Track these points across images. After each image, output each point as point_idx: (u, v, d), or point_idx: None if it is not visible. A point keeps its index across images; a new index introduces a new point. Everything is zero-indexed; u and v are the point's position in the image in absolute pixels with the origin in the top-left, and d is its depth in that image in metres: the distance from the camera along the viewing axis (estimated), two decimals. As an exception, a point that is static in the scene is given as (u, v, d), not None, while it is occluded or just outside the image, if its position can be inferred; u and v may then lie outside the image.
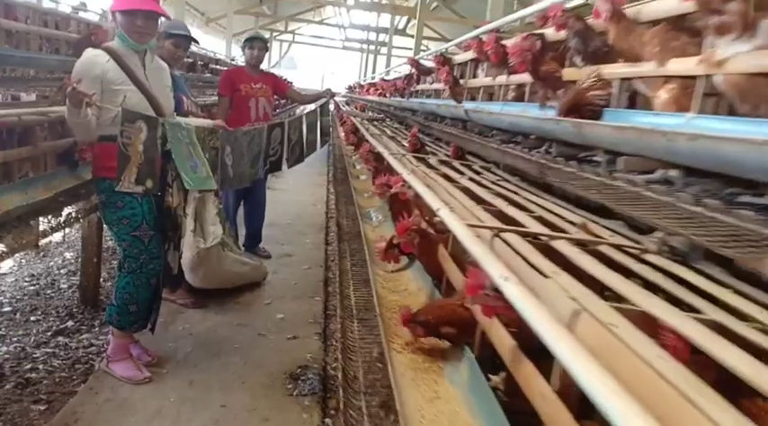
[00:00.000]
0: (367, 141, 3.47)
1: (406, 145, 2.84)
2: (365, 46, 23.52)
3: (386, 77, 6.96)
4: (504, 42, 2.41)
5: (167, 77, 2.76)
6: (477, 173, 2.43)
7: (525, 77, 2.27)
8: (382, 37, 22.21)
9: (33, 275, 3.80)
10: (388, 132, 4.50)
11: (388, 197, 2.63)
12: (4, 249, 2.27)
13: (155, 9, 2.48)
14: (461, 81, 3.14)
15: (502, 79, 2.56)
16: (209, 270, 3.50)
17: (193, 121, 3.00)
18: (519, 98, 2.46)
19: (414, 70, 4.25)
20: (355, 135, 5.92)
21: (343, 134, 6.64)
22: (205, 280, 3.54)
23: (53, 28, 3.69)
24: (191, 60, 7.63)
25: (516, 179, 2.41)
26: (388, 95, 6.51)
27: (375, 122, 5.70)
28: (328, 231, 6.06)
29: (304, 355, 3.13)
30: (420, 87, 4.70)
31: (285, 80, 4.78)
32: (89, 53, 2.45)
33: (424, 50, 14.48)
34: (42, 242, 2.64)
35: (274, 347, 3.19)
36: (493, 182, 2.22)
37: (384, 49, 22.64)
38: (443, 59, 3.44)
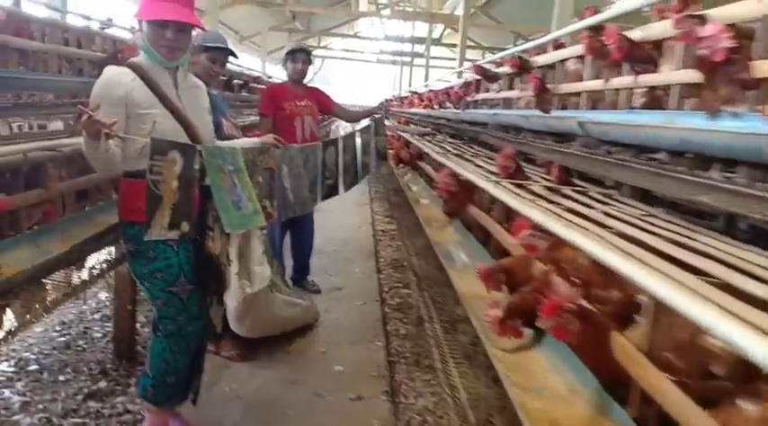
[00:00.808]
0: (440, 163, 2.93)
1: (494, 167, 2.32)
2: (399, 58, 23.15)
3: (432, 88, 6.45)
4: (627, 35, 1.87)
5: (204, 98, 2.33)
6: (603, 203, 1.88)
7: (671, 77, 1.74)
8: (417, 48, 21.80)
9: (65, 323, 3.42)
10: (449, 148, 3.98)
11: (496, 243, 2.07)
12: (13, 323, 1.82)
13: (188, 20, 2.03)
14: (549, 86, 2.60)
15: (622, 81, 2.01)
16: (256, 318, 3.05)
17: (239, 142, 2.55)
18: (652, 104, 1.91)
19: (477, 77, 3.74)
20: (408, 151, 5.43)
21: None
22: (253, 329, 3.08)
23: (75, 46, 3.31)
24: (225, 77, 7.27)
25: (658, 210, 1.85)
26: (436, 107, 6.01)
27: (427, 137, 5.20)
28: (378, 257, 5.61)
29: (370, 421, 2.64)
30: (482, 96, 4.17)
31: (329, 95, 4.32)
32: (110, 71, 2.03)
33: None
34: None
35: (335, 411, 2.71)
36: (639, 218, 1.67)
37: (418, 61, 22.23)
38: (522, 63, 2.92)
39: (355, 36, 23.87)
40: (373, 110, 4.42)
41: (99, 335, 3.38)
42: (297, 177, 2.74)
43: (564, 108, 2.62)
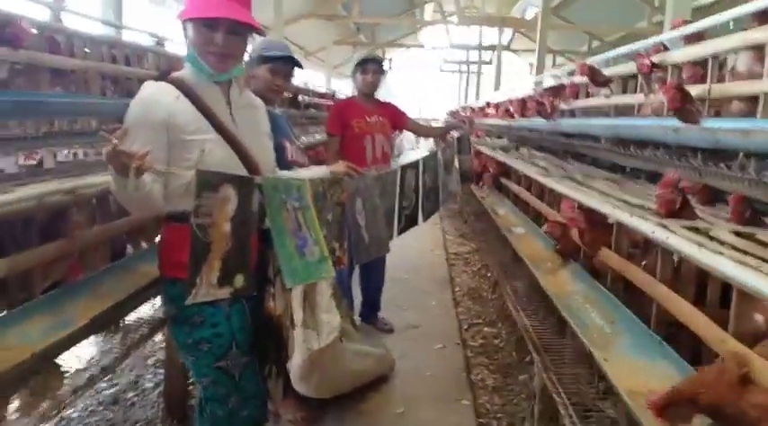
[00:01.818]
0: (560, 194, 2.35)
1: (624, 193, 1.73)
2: (465, 67, 22.48)
3: (511, 96, 5.86)
4: None
5: (263, 119, 1.90)
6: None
7: None
8: (483, 56, 21.08)
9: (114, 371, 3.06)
10: (545, 166, 3.38)
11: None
12: (20, 416, 1.44)
13: (242, 19, 1.60)
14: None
15: None
16: (324, 376, 2.58)
17: (304, 173, 2.10)
18: None
19: (575, 81, 3.15)
20: (488, 169, 4.86)
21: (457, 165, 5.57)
22: (320, 389, 2.62)
23: (123, 64, 2.98)
24: (290, 94, 6.94)
25: None
26: (516, 117, 5.40)
27: (513, 151, 4.63)
28: (454, 287, 5.07)
29: None
30: (585, 103, 3.54)
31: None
32: (148, 88, 1.63)
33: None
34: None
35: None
36: None
37: (487, 68, 21.48)
38: (654, 62, 2.30)
39: (421, 46, 23.42)
40: (453, 124, 3.89)
41: (151, 385, 3.04)
42: (372, 211, 2.25)
43: (717, 114, 2.01)
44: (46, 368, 1.49)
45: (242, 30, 1.65)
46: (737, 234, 1.45)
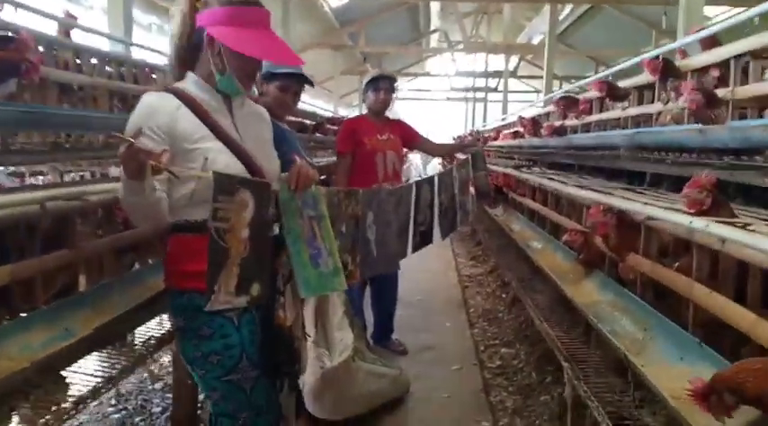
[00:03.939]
0: (581, 204, 2.28)
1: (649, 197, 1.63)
2: (471, 94, 22.62)
3: (522, 115, 5.84)
4: None
5: (267, 128, 1.85)
6: None
7: None
8: (490, 83, 21.20)
9: (121, 394, 3.01)
10: (561, 179, 3.31)
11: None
12: None
13: (297, 63, 1.79)
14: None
15: None
16: (337, 396, 2.48)
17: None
18: None
19: (589, 97, 3.11)
20: (499, 185, 4.81)
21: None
22: (333, 410, 2.51)
23: (131, 82, 2.96)
24: (296, 118, 6.96)
25: None
26: (527, 136, 5.39)
27: (523, 169, 4.57)
28: (468, 308, 4.95)
29: None
30: (594, 118, 3.51)
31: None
32: (149, 97, 1.59)
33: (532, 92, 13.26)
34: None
35: None
36: None
37: (492, 96, 21.60)
38: (668, 66, 2.26)
39: (427, 74, 23.65)
40: (467, 142, 3.85)
41: (158, 410, 2.93)
42: (385, 226, 2.18)
43: (743, 117, 1.95)
44: (49, 379, 1.41)
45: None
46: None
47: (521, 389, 3.30)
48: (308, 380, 2.37)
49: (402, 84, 27.24)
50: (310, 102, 9.21)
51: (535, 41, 16.09)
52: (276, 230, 1.70)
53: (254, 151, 1.67)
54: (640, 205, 1.53)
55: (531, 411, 3.05)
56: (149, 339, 1.99)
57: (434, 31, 20.05)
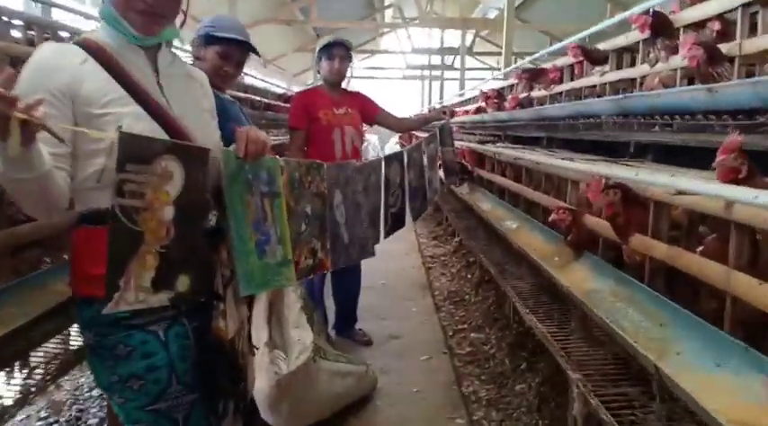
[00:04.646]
0: (566, 177, 2.05)
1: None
2: (427, 72, 22.30)
3: (484, 89, 5.61)
4: None
5: (203, 92, 1.51)
6: None
7: None
8: (446, 61, 20.93)
9: (53, 404, 2.61)
10: (534, 155, 3.07)
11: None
12: None
13: None
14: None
15: None
16: (296, 403, 2.19)
17: None
18: None
19: (579, 58, 2.86)
20: (464, 168, 4.57)
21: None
22: (292, 419, 2.23)
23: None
24: (244, 94, 6.49)
25: None
26: (490, 111, 5.18)
27: (489, 144, 4.35)
28: (433, 291, 4.74)
29: None
30: (566, 87, 3.30)
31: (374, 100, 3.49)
32: (45, 51, 1.24)
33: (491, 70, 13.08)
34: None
35: None
36: None
37: (448, 74, 21.35)
38: (660, 21, 2.02)
39: (384, 52, 23.17)
40: (432, 116, 3.56)
41: (95, 421, 2.58)
42: (354, 207, 1.88)
43: (749, 75, 1.74)
44: None
45: None
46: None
47: (494, 378, 3.11)
48: (261, 387, 2.07)
49: (357, 62, 26.69)
50: (262, 78, 8.67)
51: (491, 16, 15.90)
52: (214, 220, 1.38)
53: (185, 119, 1.33)
54: (668, 177, 1.28)
55: (506, 402, 2.86)
56: (52, 359, 1.63)
57: (389, 6, 19.59)
